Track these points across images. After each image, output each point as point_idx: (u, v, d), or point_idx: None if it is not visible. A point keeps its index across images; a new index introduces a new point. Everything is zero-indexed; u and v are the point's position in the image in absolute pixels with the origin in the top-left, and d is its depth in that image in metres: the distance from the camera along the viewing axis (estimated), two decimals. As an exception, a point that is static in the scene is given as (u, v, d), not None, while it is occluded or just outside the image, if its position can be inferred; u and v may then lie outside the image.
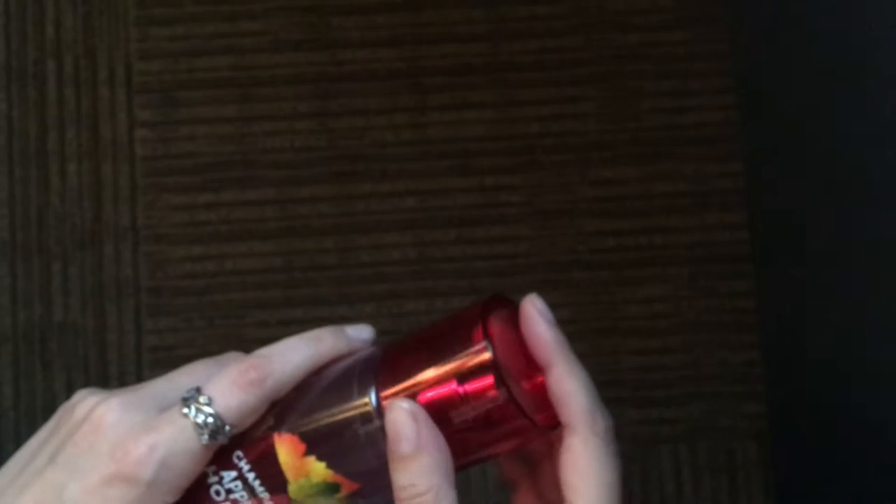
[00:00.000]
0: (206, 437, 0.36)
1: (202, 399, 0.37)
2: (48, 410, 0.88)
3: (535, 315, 0.38)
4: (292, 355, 0.38)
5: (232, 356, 0.40)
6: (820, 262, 0.71)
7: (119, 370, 0.88)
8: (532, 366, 0.38)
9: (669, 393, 0.89)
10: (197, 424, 0.36)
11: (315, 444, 0.37)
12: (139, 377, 0.88)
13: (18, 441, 0.88)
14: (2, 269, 0.89)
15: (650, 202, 0.90)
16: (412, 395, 0.36)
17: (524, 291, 0.40)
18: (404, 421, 0.35)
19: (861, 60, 0.59)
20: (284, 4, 0.92)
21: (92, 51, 0.91)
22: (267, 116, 0.91)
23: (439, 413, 0.36)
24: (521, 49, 0.92)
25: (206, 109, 0.91)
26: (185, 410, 0.37)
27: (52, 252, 0.89)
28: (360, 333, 0.40)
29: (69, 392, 0.88)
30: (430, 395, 0.36)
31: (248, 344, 0.92)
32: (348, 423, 0.37)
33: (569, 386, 0.37)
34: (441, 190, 0.90)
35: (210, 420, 0.36)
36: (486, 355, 0.36)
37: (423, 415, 0.36)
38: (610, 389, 0.86)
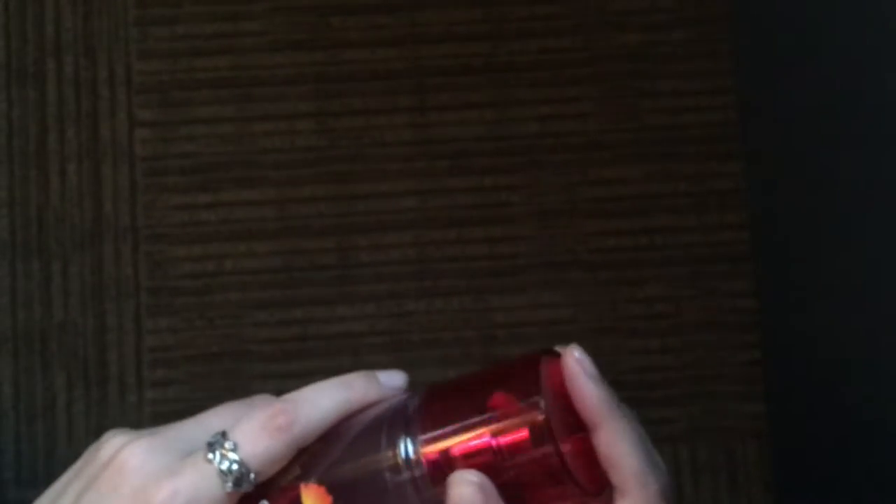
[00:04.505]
0: (230, 484, 0.36)
1: (227, 444, 0.36)
2: (48, 410, 0.88)
3: (580, 372, 0.36)
4: (322, 401, 0.37)
5: (261, 399, 0.39)
6: (820, 262, 0.71)
7: (119, 370, 0.88)
8: (580, 424, 0.36)
9: (669, 393, 0.89)
10: (221, 471, 0.35)
11: (343, 496, 0.36)
12: (139, 377, 0.88)
13: (19, 441, 0.88)
14: (2, 269, 0.89)
15: (650, 202, 0.90)
16: (453, 450, 0.35)
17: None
18: (473, 498, 0.34)
19: (861, 60, 0.59)
20: (284, 4, 0.92)
21: (92, 51, 0.91)
22: (267, 116, 0.91)
23: (483, 471, 0.34)
24: (521, 49, 0.92)
25: (206, 109, 0.91)
26: (210, 456, 0.36)
27: (52, 252, 0.89)
28: (393, 380, 0.39)
29: (69, 392, 0.88)
30: (474, 453, 0.35)
31: (248, 344, 0.93)
32: (378, 475, 0.36)
33: (619, 448, 0.36)
34: (441, 190, 0.90)
35: (235, 467, 0.36)
36: (538, 415, 0.34)
37: (490, 488, 0.34)
38: (610, 389, 0.86)
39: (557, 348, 0.37)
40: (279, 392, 0.38)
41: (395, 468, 0.35)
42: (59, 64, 0.91)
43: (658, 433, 0.88)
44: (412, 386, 0.39)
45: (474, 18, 0.92)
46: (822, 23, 0.65)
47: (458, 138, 0.91)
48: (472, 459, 0.35)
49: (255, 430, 0.36)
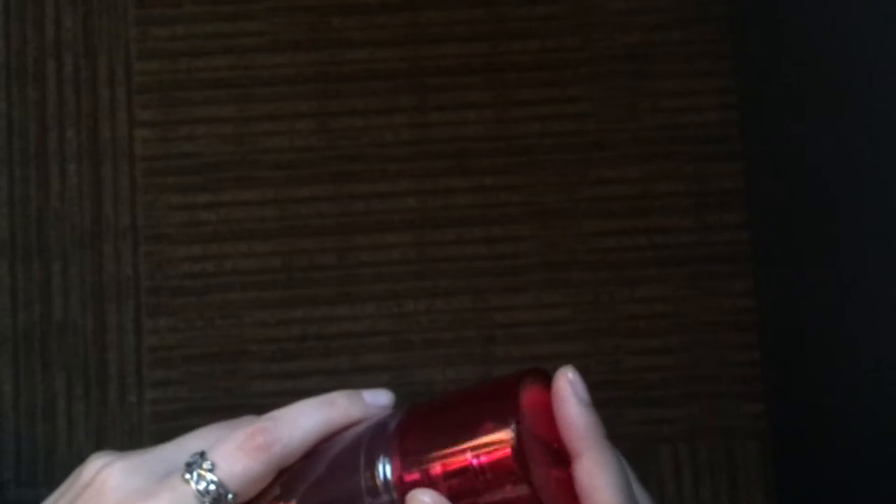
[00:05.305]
0: None
1: (205, 465, 0.35)
2: (48, 410, 0.88)
3: (569, 394, 0.34)
4: (303, 420, 0.37)
5: (246, 419, 0.38)
6: (819, 262, 0.71)
7: (119, 370, 0.88)
8: (563, 453, 0.35)
9: (669, 393, 0.89)
10: (198, 491, 0.35)
11: None
12: (139, 377, 0.88)
13: (18, 441, 0.88)
14: (2, 269, 0.89)
15: (650, 202, 0.90)
16: (428, 474, 0.34)
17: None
18: None
19: (861, 61, 0.59)
20: (284, 4, 0.92)
21: (92, 51, 0.91)
22: (267, 116, 0.91)
23: (455, 497, 0.34)
24: (521, 49, 0.92)
25: (206, 109, 0.91)
26: (188, 476, 0.35)
27: (52, 252, 0.89)
28: (378, 399, 0.38)
29: (69, 392, 0.88)
30: (447, 479, 0.34)
31: (247, 344, 0.93)
32: (356, 497, 0.35)
33: (598, 481, 0.33)
34: (441, 190, 0.90)
35: (212, 487, 0.35)
36: (511, 440, 0.33)
37: None
38: (610, 389, 0.86)
39: (551, 367, 0.36)
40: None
41: (374, 490, 0.35)
42: (59, 64, 0.91)
43: (658, 433, 0.88)
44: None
45: (474, 18, 0.92)
46: (822, 22, 0.65)
47: (458, 138, 0.91)
48: (447, 483, 0.34)
49: (233, 450, 0.36)
